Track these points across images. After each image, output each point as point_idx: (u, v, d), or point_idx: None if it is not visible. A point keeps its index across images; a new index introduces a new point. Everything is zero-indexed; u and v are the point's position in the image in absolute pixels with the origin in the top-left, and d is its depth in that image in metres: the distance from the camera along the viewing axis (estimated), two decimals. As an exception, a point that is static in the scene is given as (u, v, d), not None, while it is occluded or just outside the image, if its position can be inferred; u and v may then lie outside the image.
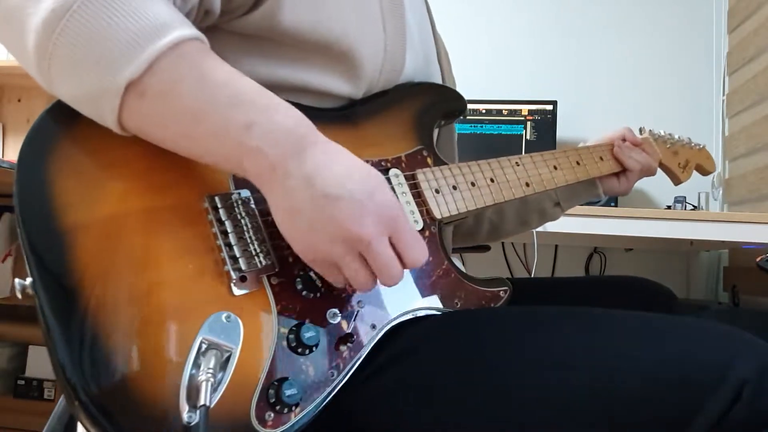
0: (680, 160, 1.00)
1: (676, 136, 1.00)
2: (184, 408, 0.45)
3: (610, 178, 0.93)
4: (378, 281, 0.52)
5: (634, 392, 0.51)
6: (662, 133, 0.99)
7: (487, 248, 1.32)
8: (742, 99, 1.98)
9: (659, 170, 0.99)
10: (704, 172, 1.06)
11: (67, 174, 0.48)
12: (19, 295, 0.45)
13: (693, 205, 1.96)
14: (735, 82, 2.06)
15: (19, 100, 2.44)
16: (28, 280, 0.45)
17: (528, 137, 1.99)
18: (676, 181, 1.02)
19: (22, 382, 2.02)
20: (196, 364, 0.46)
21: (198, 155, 0.50)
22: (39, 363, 2.04)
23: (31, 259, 0.45)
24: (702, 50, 2.19)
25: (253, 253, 0.53)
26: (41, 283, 0.44)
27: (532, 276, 2.15)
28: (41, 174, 0.47)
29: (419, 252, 0.53)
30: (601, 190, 0.95)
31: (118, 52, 0.45)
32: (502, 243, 2.19)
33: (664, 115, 2.17)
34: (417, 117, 0.72)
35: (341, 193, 0.48)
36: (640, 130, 0.99)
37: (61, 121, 0.50)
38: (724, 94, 2.12)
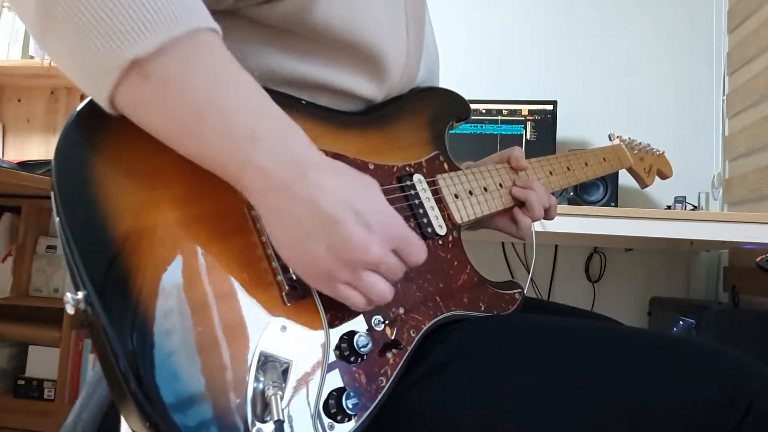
0: (645, 165, 1.05)
1: (640, 142, 1.05)
2: (250, 421, 0.45)
3: (503, 217, 0.79)
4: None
5: (655, 412, 0.54)
6: (628, 140, 1.03)
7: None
8: (742, 99, 1.98)
9: (629, 174, 1.03)
10: (663, 176, 1.11)
11: (111, 180, 0.46)
12: (71, 310, 0.42)
13: (693, 205, 1.96)
14: (735, 82, 2.06)
15: (19, 100, 2.45)
16: (81, 294, 0.42)
17: (528, 137, 1.99)
18: (643, 185, 1.06)
19: (22, 382, 2.02)
20: (257, 378, 0.46)
21: (192, 154, 0.47)
22: (39, 363, 2.04)
23: (83, 271, 0.43)
24: (702, 50, 2.18)
25: None
26: (98, 296, 0.42)
27: (531, 274, 2.15)
28: (85, 180, 0.45)
29: (421, 255, 0.52)
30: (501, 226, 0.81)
31: (131, 27, 0.42)
32: (502, 243, 2.19)
33: (663, 115, 2.17)
34: (431, 122, 0.73)
35: (348, 217, 0.47)
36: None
37: (96, 124, 0.47)
38: (724, 94, 2.12)
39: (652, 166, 1.07)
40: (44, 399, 2.00)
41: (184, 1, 0.45)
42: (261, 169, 0.45)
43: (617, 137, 1.02)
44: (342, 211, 0.47)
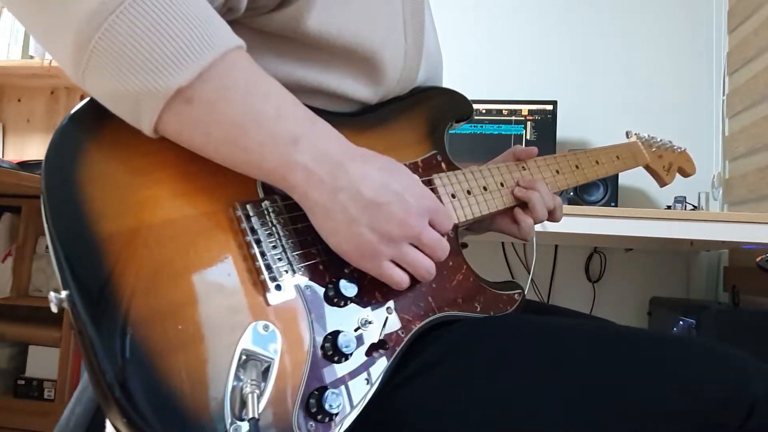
0: (664, 163, 1.03)
1: (659, 140, 1.03)
2: (229, 420, 0.45)
3: (504, 217, 0.78)
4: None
5: (655, 412, 0.54)
6: (647, 137, 1.01)
7: (464, 245, 1.32)
8: (742, 99, 1.98)
9: (646, 172, 1.01)
10: (685, 174, 1.09)
11: (98, 183, 0.47)
12: (55, 309, 0.44)
13: (693, 205, 1.96)
14: (735, 82, 2.06)
15: (19, 100, 2.44)
16: (64, 293, 0.44)
17: (528, 137, 1.99)
18: (662, 183, 1.04)
19: (22, 382, 2.02)
20: (237, 376, 0.46)
21: (238, 164, 0.50)
22: (39, 363, 2.04)
23: (67, 271, 0.44)
24: (702, 50, 2.18)
25: (287, 261, 0.53)
26: (80, 296, 0.43)
27: (531, 274, 2.15)
28: (71, 183, 0.46)
29: (449, 222, 0.58)
30: (501, 227, 0.80)
31: (170, 57, 0.45)
32: (502, 243, 2.19)
33: (664, 115, 2.17)
34: (429, 122, 0.73)
35: (389, 198, 0.52)
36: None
37: (86, 128, 0.49)
38: (724, 94, 2.12)
39: (672, 163, 1.04)
40: (44, 399, 2.00)
41: (213, 25, 0.47)
42: (305, 167, 0.50)
43: (634, 134, 0.99)
44: (382, 194, 0.52)
